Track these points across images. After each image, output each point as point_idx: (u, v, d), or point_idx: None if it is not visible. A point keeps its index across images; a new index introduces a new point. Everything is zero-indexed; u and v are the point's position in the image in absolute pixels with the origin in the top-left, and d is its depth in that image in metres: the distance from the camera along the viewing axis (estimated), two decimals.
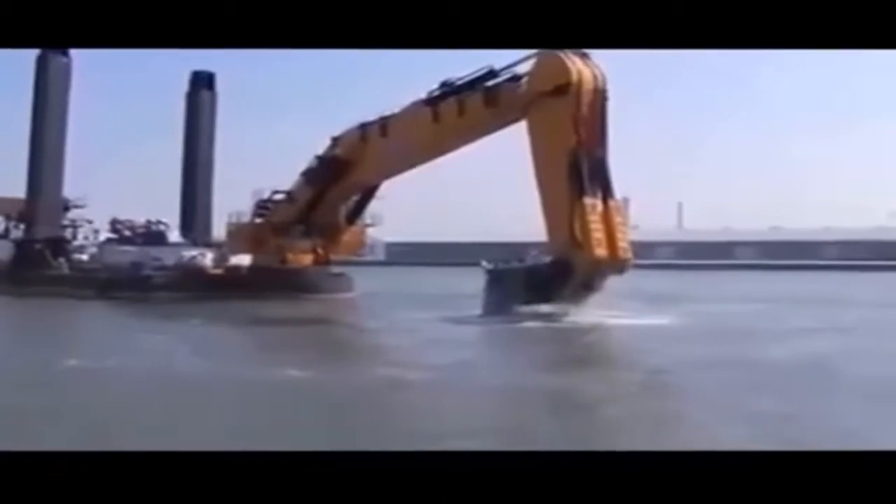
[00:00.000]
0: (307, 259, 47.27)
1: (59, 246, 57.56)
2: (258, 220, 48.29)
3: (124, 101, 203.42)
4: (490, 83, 34.41)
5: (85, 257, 57.80)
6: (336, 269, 49.35)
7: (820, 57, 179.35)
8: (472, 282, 34.37)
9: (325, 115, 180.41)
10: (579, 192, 29.70)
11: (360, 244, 52.06)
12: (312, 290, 44.51)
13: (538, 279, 30.09)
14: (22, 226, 61.24)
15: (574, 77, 30.46)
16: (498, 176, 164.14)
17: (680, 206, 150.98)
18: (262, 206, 48.37)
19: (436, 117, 36.37)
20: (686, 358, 20.53)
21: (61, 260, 56.17)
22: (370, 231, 53.71)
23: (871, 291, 51.51)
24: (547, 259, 31.54)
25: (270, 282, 43.07)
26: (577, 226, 29.47)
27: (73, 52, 62.13)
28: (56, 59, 61.36)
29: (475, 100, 34.66)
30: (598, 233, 29.64)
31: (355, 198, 47.10)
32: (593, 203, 29.95)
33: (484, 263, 33.71)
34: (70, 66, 62.91)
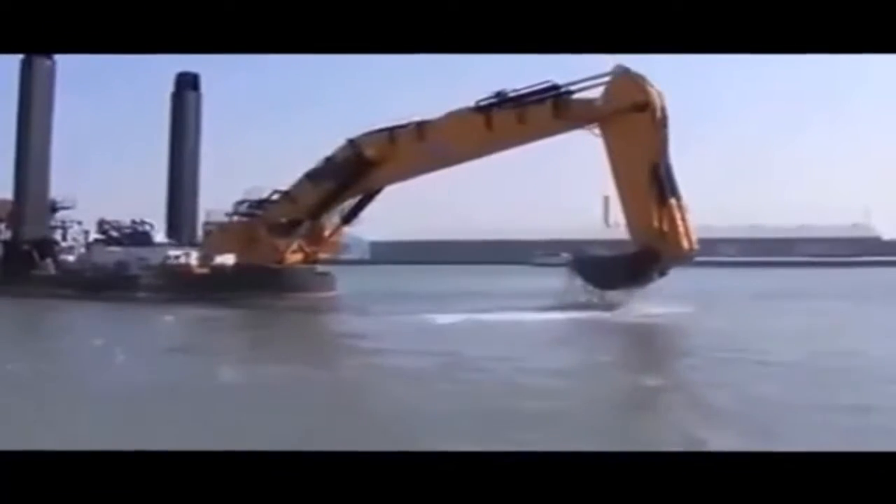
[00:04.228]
0: (297, 258, 48.11)
1: (47, 246, 57.87)
2: (244, 220, 48.88)
3: (110, 102, 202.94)
4: (557, 94, 38.01)
5: (71, 258, 58.15)
6: (320, 268, 50.08)
7: (799, 59, 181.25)
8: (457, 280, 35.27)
9: (309, 119, 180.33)
10: (664, 194, 34.91)
11: (339, 244, 52.97)
12: (299, 289, 45.14)
13: (626, 267, 35.38)
14: (11, 227, 61.37)
15: (652, 97, 35.35)
16: (477, 174, 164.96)
17: None
18: (256, 206, 48.93)
19: (489, 123, 39.20)
20: None
21: (48, 260, 56.50)
22: (350, 230, 54.34)
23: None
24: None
25: (257, 281, 43.64)
26: (664, 223, 34.74)
27: (58, 55, 62.41)
28: (40, 62, 61.65)
29: (542, 109, 38.13)
30: (681, 228, 35.16)
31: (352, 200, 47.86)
32: (675, 203, 35.23)
33: (564, 255, 40.79)
34: (54, 68, 63.21)
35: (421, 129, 42.36)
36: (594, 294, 36.71)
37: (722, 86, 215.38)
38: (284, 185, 48.02)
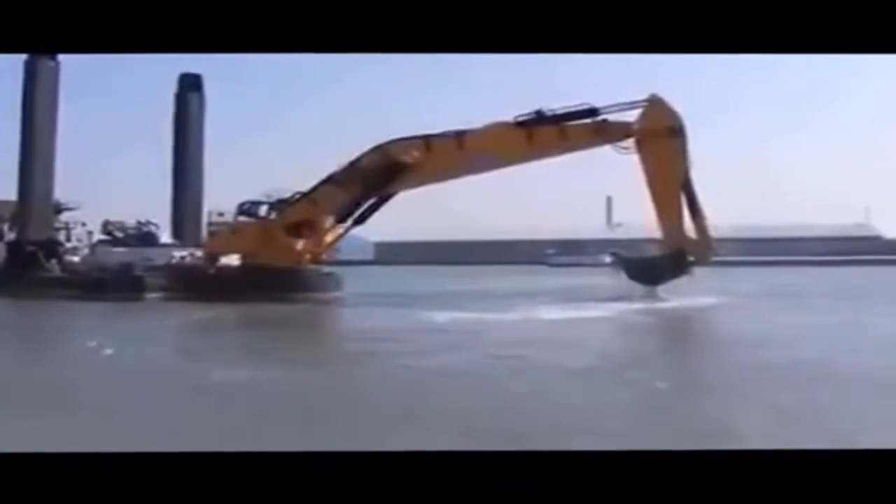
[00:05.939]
0: (306, 258, 48.42)
1: (52, 248, 57.86)
2: (252, 220, 49.12)
3: (113, 103, 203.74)
4: (599, 117, 43.11)
5: (77, 259, 58.24)
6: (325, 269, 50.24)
7: (800, 59, 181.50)
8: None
9: (310, 121, 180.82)
10: (696, 205, 41.69)
11: (335, 245, 53.44)
12: (306, 289, 45.15)
13: (667, 266, 41.46)
14: (15, 228, 61.48)
15: (682, 121, 41.48)
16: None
17: None
18: (270, 207, 49.14)
19: (529, 138, 43.60)
20: None
21: (53, 262, 56.52)
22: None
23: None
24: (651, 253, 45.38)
25: (265, 281, 43.52)
26: (698, 229, 41.82)
27: (61, 55, 62.73)
28: (44, 63, 61.91)
29: (583, 128, 43.44)
30: (713, 233, 42.66)
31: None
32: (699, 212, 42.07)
33: (607, 258, 48.73)
34: (58, 69, 63.48)
35: (460, 138, 45.18)
36: (643, 289, 42.27)
37: (722, 86, 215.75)
38: (285, 187, 48.76)
